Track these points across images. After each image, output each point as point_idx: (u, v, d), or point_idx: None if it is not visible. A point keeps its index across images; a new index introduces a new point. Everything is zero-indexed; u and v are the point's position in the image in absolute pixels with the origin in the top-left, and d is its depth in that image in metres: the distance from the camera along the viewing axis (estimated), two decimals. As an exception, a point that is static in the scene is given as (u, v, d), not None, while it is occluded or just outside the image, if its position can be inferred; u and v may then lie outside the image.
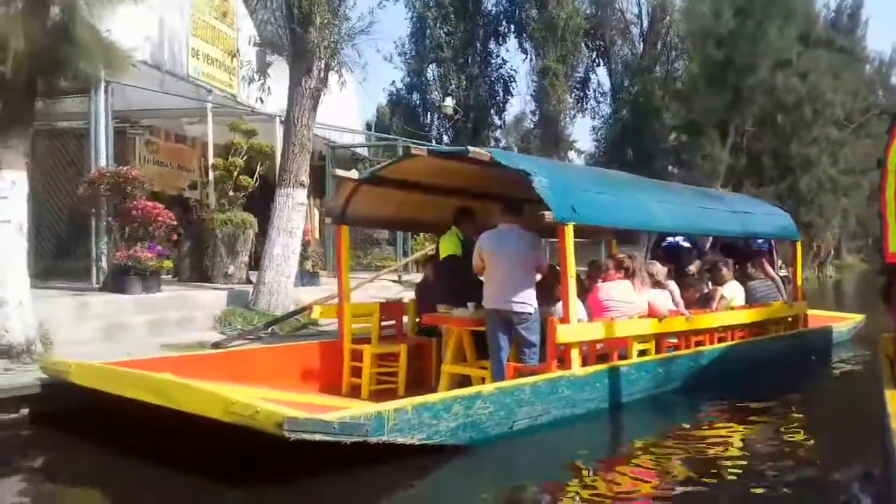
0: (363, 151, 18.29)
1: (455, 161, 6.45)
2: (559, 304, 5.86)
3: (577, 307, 5.87)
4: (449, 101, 21.84)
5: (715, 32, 20.85)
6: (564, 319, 5.62)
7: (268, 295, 9.74)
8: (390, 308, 7.41)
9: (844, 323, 10.84)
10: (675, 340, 7.04)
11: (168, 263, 9.85)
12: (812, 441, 5.58)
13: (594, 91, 27.01)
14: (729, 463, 4.85)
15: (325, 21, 9.35)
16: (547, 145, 22.88)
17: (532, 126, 27.93)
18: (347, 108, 16.48)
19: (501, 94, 26.66)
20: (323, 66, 9.65)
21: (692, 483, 4.38)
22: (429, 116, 26.05)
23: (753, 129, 23.45)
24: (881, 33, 56.25)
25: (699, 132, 21.48)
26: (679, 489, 4.30)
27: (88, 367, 5.47)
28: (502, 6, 26.24)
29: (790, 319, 9.05)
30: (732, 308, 8.17)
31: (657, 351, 6.69)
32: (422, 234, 16.07)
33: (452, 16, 23.84)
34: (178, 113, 13.26)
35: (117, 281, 9.16)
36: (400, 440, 4.33)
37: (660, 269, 7.17)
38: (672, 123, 23.42)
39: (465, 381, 5.97)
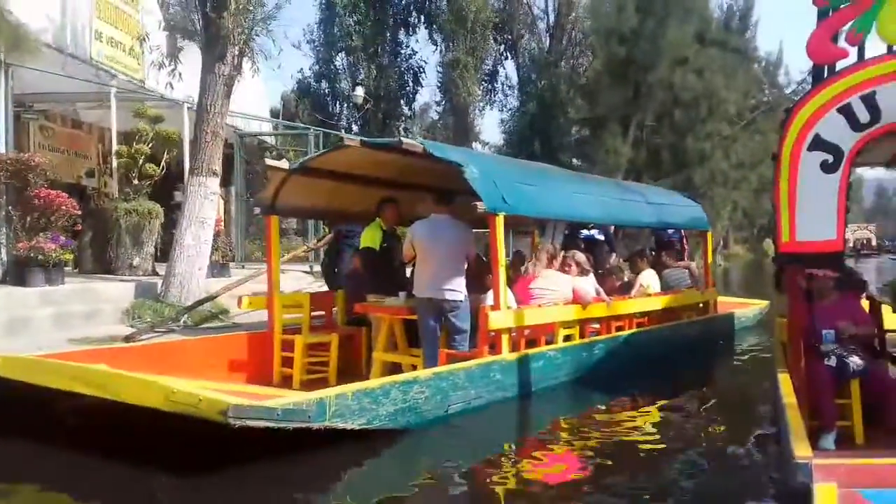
0: (270, 140, 17.98)
1: (386, 152, 6.49)
2: (490, 293, 6.02)
3: (506, 295, 6.04)
4: (359, 91, 21.73)
5: (618, 30, 21.51)
6: (495, 307, 5.79)
7: (179, 286, 9.51)
8: (320, 299, 7.42)
9: (750, 309, 11.52)
10: (597, 326, 7.35)
11: (69, 255, 9.47)
12: (718, 417, 6.07)
13: (502, 84, 27.41)
14: (645, 439, 5.23)
15: (241, 7, 9.15)
16: (457, 136, 23.06)
17: (437, 117, 28.11)
18: (254, 95, 16.17)
19: (411, 84, 26.73)
20: (237, 52, 9.46)
21: (609, 460, 4.68)
22: (338, 105, 25.84)
23: (653, 125, 24.31)
24: (768, 33, 59.27)
25: (602, 126, 22.15)
26: (598, 466, 4.56)
27: (16, 360, 5.26)
28: (412, -4, 26.29)
29: (701, 305, 9.55)
30: (649, 295, 8.54)
31: (581, 336, 6.97)
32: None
33: (362, 4, 23.65)
34: (78, 97, 12.77)
35: (18, 273, 8.80)
36: (341, 425, 4.42)
37: (584, 258, 7.43)
38: (577, 117, 24.05)
39: (395, 368, 6.08)
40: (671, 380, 7.28)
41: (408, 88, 26.30)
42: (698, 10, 23.75)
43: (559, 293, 6.82)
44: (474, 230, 6.66)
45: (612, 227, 10.60)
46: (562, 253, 7.50)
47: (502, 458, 4.77)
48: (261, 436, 4.14)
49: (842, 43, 4.41)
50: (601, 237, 9.81)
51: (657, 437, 5.30)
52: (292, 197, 6.82)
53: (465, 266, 6.11)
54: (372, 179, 7.17)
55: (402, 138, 6.16)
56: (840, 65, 4.44)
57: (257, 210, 7.33)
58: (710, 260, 10.32)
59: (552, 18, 26.22)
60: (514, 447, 5.09)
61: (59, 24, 10.52)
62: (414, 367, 5.88)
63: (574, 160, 24.27)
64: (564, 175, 8.79)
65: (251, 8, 9.45)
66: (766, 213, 30.00)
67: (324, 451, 4.48)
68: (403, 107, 26.24)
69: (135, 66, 12.39)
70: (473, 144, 25.14)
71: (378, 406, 4.71)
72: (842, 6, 4.44)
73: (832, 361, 4.58)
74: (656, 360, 7.79)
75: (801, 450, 3.55)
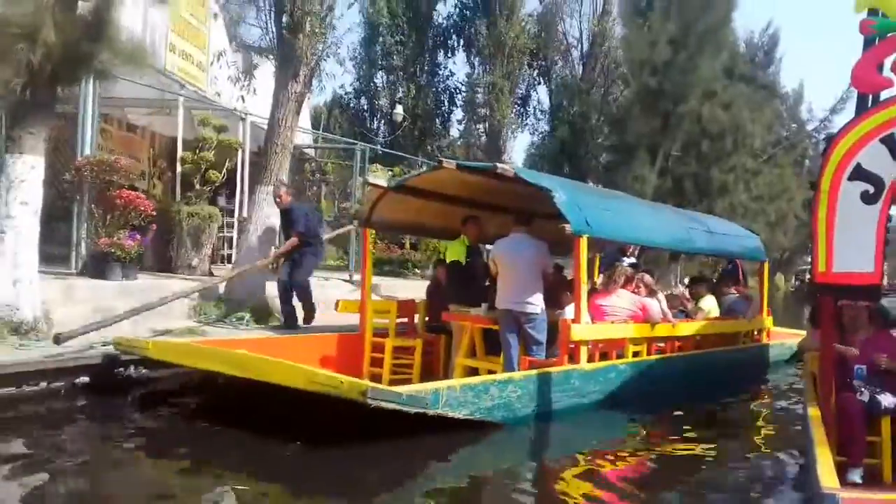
0: (310, 152, 18.68)
1: (476, 175, 7.14)
2: (567, 308, 6.62)
3: (585, 310, 6.66)
4: (399, 109, 22.50)
5: (650, 62, 22.15)
6: (576, 320, 6.39)
7: (242, 287, 10.14)
8: (405, 306, 8.06)
9: (798, 338, 12.01)
10: (661, 345, 7.95)
11: (142, 252, 10.14)
12: (755, 443, 6.62)
13: (534, 108, 28.15)
14: (689, 456, 5.81)
15: (315, 30, 9.85)
16: (489, 157, 23.75)
17: (471, 137, 28.84)
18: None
19: (447, 104, 27.54)
20: (308, 71, 10.16)
21: (652, 474, 5.28)
22: (375, 121, 26.64)
23: (679, 154, 24.88)
24: (790, 69, 59.73)
25: (631, 154, 22.75)
26: (647, 477, 5.20)
27: (166, 345, 5.98)
28: (453, 20, 27.16)
29: (756, 332, 10.09)
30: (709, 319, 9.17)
31: (647, 353, 7.60)
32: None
33: (405, 25, 24.46)
34: (142, 103, 13.47)
35: (97, 267, 9.45)
36: (450, 414, 5.05)
37: (652, 281, 8.03)
38: (606, 144, 24.70)
39: (473, 373, 6.71)
40: (724, 401, 7.94)
41: (443, 108, 27.16)
42: (728, 46, 24.36)
43: (630, 312, 7.39)
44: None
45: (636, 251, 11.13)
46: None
47: (577, 457, 5.45)
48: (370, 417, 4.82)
49: (887, 72, 4.34)
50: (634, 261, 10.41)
51: (701, 454, 5.85)
52: (386, 212, 7.53)
53: (542, 281, 6.71)
54: (457, 198, 7.83)
55: (496, 164, 6.79)
56: (884, 94, 4.38)
57: (355, 223, 8.06)
58: (765, 288, 10.71)
59: (586, 47, 26.99)
60: (587, 449, 5.75)
61: (140, 36, 11.26)
62: (490, 373, 6.51)
63: (602, 185, 24.87)
64: (636, 202, 9.45)
65: (323, 31, 10.16)
66: (780, 247, 30.39)
67: (415, 437, 5.15)
68: (439, 125, 27.06)
69: (201, 78, 13.16)
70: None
71: (479, 400, 5.40)
72: (888, 35, 4.37)
73: (864, 397, 4.58)
74: (713, 380, 8.36)
75: (829, 482, 3.53)
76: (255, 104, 12.37)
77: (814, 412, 4.82)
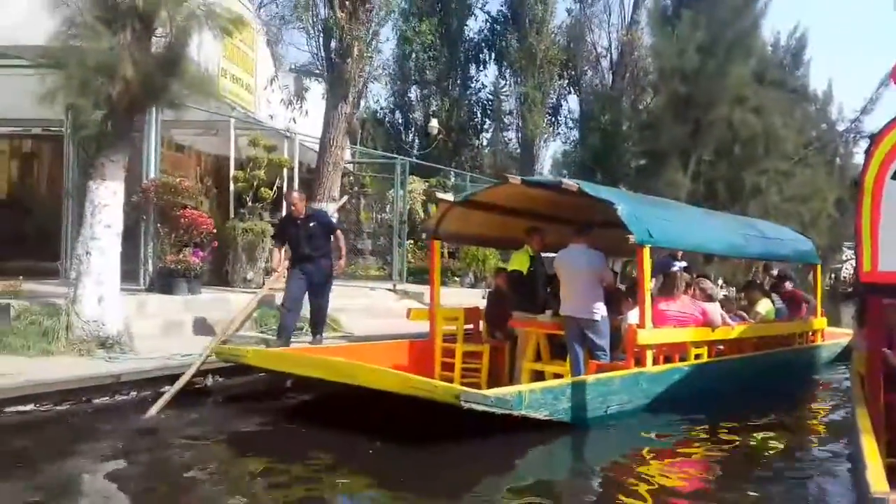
0: (349, 166, 19.26)
1: (539, 189, 7.61)
2: (630, 313, 7.02)
3: (649, 315, 7.01)
4: (434, 123, 23.07)
5: (680, 69, 22.45)
6: (641, 325, 6.77)
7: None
8: (471, 313, 8.55)
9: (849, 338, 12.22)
10: (721, 348, 8.23)
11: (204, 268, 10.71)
12: (805, 443, 6.87)
13: (565, 117, 28.56)
14: (748, 455, 6.13)
15: (363, 54, 10.39)
16: (523, 167, 24.22)
17: (503, 146, 29.35)
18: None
19: (480, 116, 28.08)
20: (356, 93, 10.70)
21: (710, 473, 5.60)
22: (409, 135, 27.25)
23: (710, 159, 25.09)
24: (818, 70, 59.30)
25: (663, 160, 23.04)
26: (715, 475, 5.50)
27: (264, 353, 6.57)
28: (484, 34, 27.75)
29: (811, 333, 10.35)
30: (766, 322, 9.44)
31: (708, 356, 7.87)
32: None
33: (437, 41, 25.02)
34: (193, 125, 14.11)
35: (163, 283, 10.03)
36: (532, 415, 5.52)
37: (710, 286, 8.38)
38: (638, 151, 25.00)
39: (539, 377, 7.13)
40: (780, 401, 8.17)
41: (476, 120, 27.71)
42: (757, 52, 24.57)
43: (691, 316, 7.70)
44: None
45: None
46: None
47: (644, 456, 5.88)
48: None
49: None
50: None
51: (757, 454, 6.18)
52: (451, 224, 8.03)
53: (601, 289, 7.08)
54: (518, 210, 8.30)
55: (561, 179, 7.27)
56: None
57: (423, 235, 8.58)
58: (819, 291, 10.94)
59: (615, 56, 27.35)
60: (653, 448, 6.17)
61: (196, 63, 11.88)
62: (555, 376, 6.93)
63: (635, 192, 25.18)
64: (690, 210, 9.80)
65: (370, 55, 10.70)
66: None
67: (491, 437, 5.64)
68: (472, 137, 27.62)
69: (249, 100, 13.76)
70: (541, 174, 26.40)
71: (557, 402, 5.86)
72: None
73: None
74: (771, 381, 8.64)
75: (879, 485, 3.52)
76: (300, 124, 12.95)
77: (862, 414, 4.81)
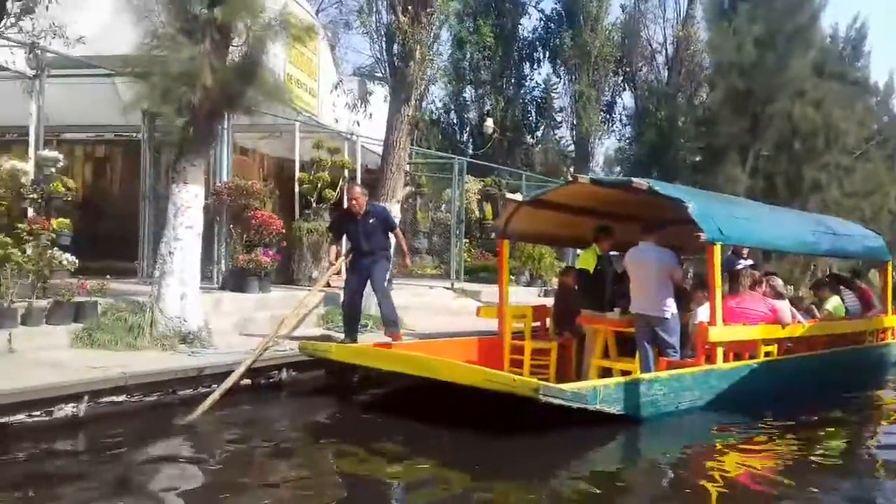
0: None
1: (608, 188, 7.76)
2: (700, 309, 7.11)
3: (707, 312, 7.11)
4: (489, 122, 23.31)
5: (737, 63, 22.22)
6: (712, 322, 6.86)
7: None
8: (538, 311, 8.77)
9: None
10: (790, 345, 8.21)
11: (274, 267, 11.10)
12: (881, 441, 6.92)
13: (619, 114, 28.51)
14: (820, 456, 6.17)
15: (424, 57, 10.63)
16: (578, 164, 24.27)
17: (554, 145, 29.41)
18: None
19: (534, 115, 28.21)
20: (418, 95, 10.95)
21: (787, 473, 5.63)
22: (464, 134, 27.55)
23: (769, 154, 24.75)
24: (879, 62, 57.65)
25: (721, 155, 22.84)
26: (783, 471, 5.60)
27: (347, 348, 6.93)
28: (538, 33, 27.88)
29: (882, 331, 10.22)
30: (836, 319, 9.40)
31: (778, 353, 7.89)
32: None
33: (492, 40, 25.22)
34: (257, 128, 14.56)
35: (236, 281, 10.43)
36: (606, 409, 5.72)
37: (781, 284, 8.41)
38: (694, 146, 24.82)
39: (606, 373, 7.29)
40: (851, 398, 8.22)
41: (530, 118, 27.85)
42: (817, 44, 24.16)
43: (761, 314, 7.73)
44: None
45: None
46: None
47: (714, 451, 6.10)
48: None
49: None
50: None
51: (830, 455, 6.27)
52: (519, 224, 8.25)
53: (671, 286, 7.18)
54: (585, 209, 8.46)
55: (631, 178, 7.38)
56: None
57: (493, 234, 8.82)
58: (889, 287, 10.67)
59: (670, 52, 27.20)
60: (722, 443, 6.34)
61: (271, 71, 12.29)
62: (623, 373, 7.08)
63: (692, 187, 25.00)
64: (760, 207, 9.79)
65: (431, 58, 10.94)
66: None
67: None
68: (526, 135, 27.77)
69: (312, 103, 14.16)
70: (595, 171, 26.43)
71: (630, 397, 6.02)
72: None
73: None
74: (841, 379, 8.62)
75: None
76: (361, 126, 13.27)
77: None
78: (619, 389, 5.97)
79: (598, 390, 5.77)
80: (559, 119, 28.73)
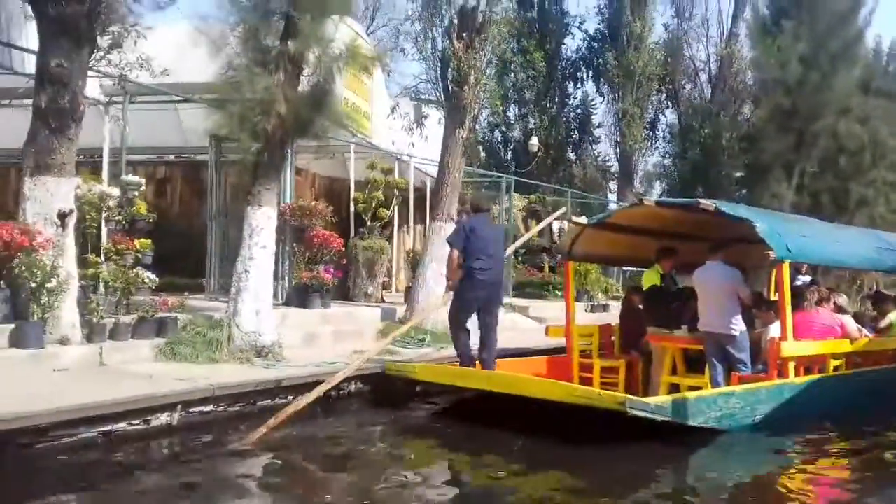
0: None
1: (674, 210, 8.03)
2: (771, 326, 7.33)
3: (778, 327, 7.30)
4: (534, 140, 23.72)
5: (782, 81, 22.33)
6: (782, 337, 7.08)
7: (418, 310, 11.35)
8: (604, 330, 9.05)
9: None
10: (858, 359, 8.35)
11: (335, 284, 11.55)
12: None
13: (662, 131, 28.72)
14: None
15: (478, 80, 11.04)
16: (622, 181, 24.55)
17: (598, 162, 29.69)
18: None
19: (577, 133, 28.56)
20: (472, 118, 11.36)
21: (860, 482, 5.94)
22: (508, 152, 27.99)
23: (814, 170, 24.73)
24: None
25: (766, 172, 22.91)
26: (851, 487, 5.86)
27: (432, 368, 7.38)
28: (581, 52, 28.33)
29: None
30: None
31: (846, 367, 8.07)
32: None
33: (538, 61, 25.64)
34: (311, 149, 15.06)
35: (299, 298, 10.87)
36: (689, 422, 5.99)
37: (846, 300, 8.59)
38: (739, 162, 24.90)
39: (675, 390, 7.54)
40: None
41: (574, 136, 28.21)
42: (862, 61, 24.15)
43: (830, 329, 7.90)
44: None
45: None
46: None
47: (789, 463, 6.38)
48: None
49: None
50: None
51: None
52: (584, 246, 8.57)
53: (739, 304, 7.39)
54: (648, 230, 8.75)
55: (699, 199, 7.66)
56: None
57: (559, 256, 9.16)
58: None
59: (714, 70, 27.38)
60: (796, 455, 6.58)
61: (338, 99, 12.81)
62: (692, 388, 7.29)
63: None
64: (823, 225, 9.96)
65: (485, 81, 11.35)
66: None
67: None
68: (570, 153, 28.14)
69: (365, 125, 14.64)
70: (637, 188, 26.68)
71: (710, 410, 6.31)
72: None
73: None
74: None
75: None
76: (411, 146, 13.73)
77: None
78: (700, 403, 6.23)
79: (679, 404, 6.05)
80: (598, 135, 29.13)
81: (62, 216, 7.23)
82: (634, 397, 5.98)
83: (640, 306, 8.52)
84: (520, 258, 19.91)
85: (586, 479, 5.63)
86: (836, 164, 23.71)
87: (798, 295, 7.98)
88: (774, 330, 7.33)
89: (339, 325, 10.65)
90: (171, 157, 15.54)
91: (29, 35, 10.06)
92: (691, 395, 6.38)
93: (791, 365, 7.22)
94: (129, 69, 8.70)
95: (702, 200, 7.53)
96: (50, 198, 7.20)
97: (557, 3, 28.65)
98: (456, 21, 10.90)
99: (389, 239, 14.97)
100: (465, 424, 7.10)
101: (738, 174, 26.22)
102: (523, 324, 13.78)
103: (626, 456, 6.09)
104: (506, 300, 15.81)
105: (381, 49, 15.48)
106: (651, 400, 6.03)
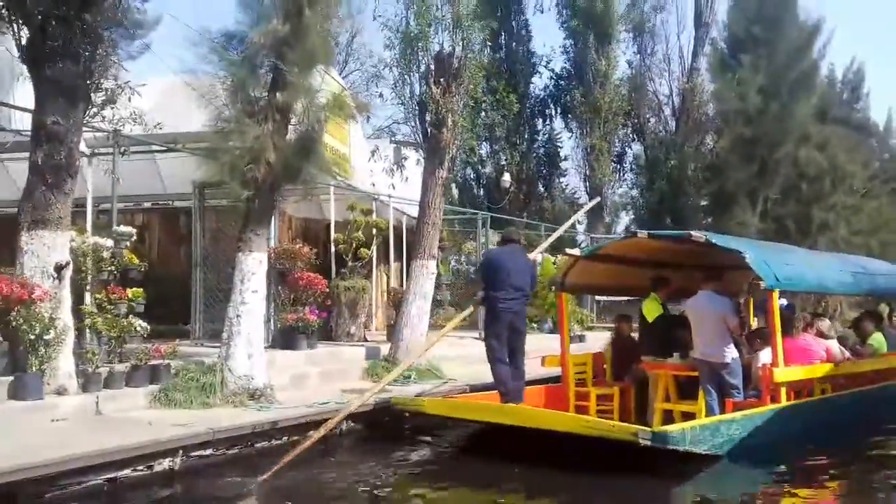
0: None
1: (669, 242, 8.36)
2: (761, 353, 7.65)
3: (769, 353, 7.60)
4: (507, 177, 24.24)
5: (743, 111, 23.14)
6: (774, 364, 7.40)
7: (405, 350, 11.56)
8: (597, 359, 9.31)
9: None
10: (842, 381, 8.67)
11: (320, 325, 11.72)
12: None
13: (629, 164, 29.47)
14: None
15: (457, 123, 11.41)
16: (592, 214, 25.05)
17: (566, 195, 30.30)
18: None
19: (547, 168, 29.22)
20: (451, 159, 11.70)
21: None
22: (480, 188, 28.49)
23: (777, 197, 25.50)
24: (876, 99, 58.65)
25: (730, 201, 23.59)
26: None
27: (439, 402, 7.58)
28: (549, 90, 29.10)
29: None
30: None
31: (833, 390, 8.39)
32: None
33: (511, 99, 26.26)
34: (293, 192, 15.30)
35: (285, 339, 11.03)
36: (694, 450, 6.25)
37: (828, 325, 8.95)
38: (705, 192, 25.62)
39: (669, 416, 7.80)
40: None
41: (544, 171, 28.89)
42: (819, 90, 25.10)
43: (816, 353, 8.22)
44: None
45: None
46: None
47: (785, 484, 6.65)
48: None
49: None
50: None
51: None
52: (577, 277, 8.86)
53: (730, 331, 7.65)
54: (639, 260, 9.07)
55: (690, 231, 8.03)
56: None
57: (552, 287, 9.44)
58: None
59: (677, 103, 28.24)
60: (792, 475, 6.88)
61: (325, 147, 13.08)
62: (685, 415, 7.58)
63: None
64: (804, 252, 10.38)
65: (465, 124, 11.72)
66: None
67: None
68: (541, 188, 28.76)
69: (344, 167, 14.92)
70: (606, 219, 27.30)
71: (713, 437, 6.56)
72: None
73: None
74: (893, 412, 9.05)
75: None
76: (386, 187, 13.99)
77: None
78: (704, 431, 6.47)
79: (686, 433, 6.28)
80: (566, 168, 29.85)
81: (59, 269, 7.38)
82: (646, 428, 6.20)
83: (631, 334, 8.84)
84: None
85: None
86: (797, 190, 24.53)
87: (785, 321, 8.22)
88: (765, 356, 7.63)
89: (325, 366, 10.82)
90: (148, 204, 15.60)
91: (15, 93, 10.30)
92: (696, 423, 6.61)
93: (783, 390, 7.49)
94: (121, 124, 8.90)
95: (693, 233, 7.92)
96: (47, 251, 7.36)
97: (524, 44, 29.46)
98: (433, 67, 11.26)
99: (367, 277, 15.22)
100: (472, 459, 7.38)
101: (704, 203, 26.94)
102: (505, 357, 13.99)
103: (636, 484, 6.38)
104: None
105: (354, 93, 15.83)
106: (660, 430, 6.21)
